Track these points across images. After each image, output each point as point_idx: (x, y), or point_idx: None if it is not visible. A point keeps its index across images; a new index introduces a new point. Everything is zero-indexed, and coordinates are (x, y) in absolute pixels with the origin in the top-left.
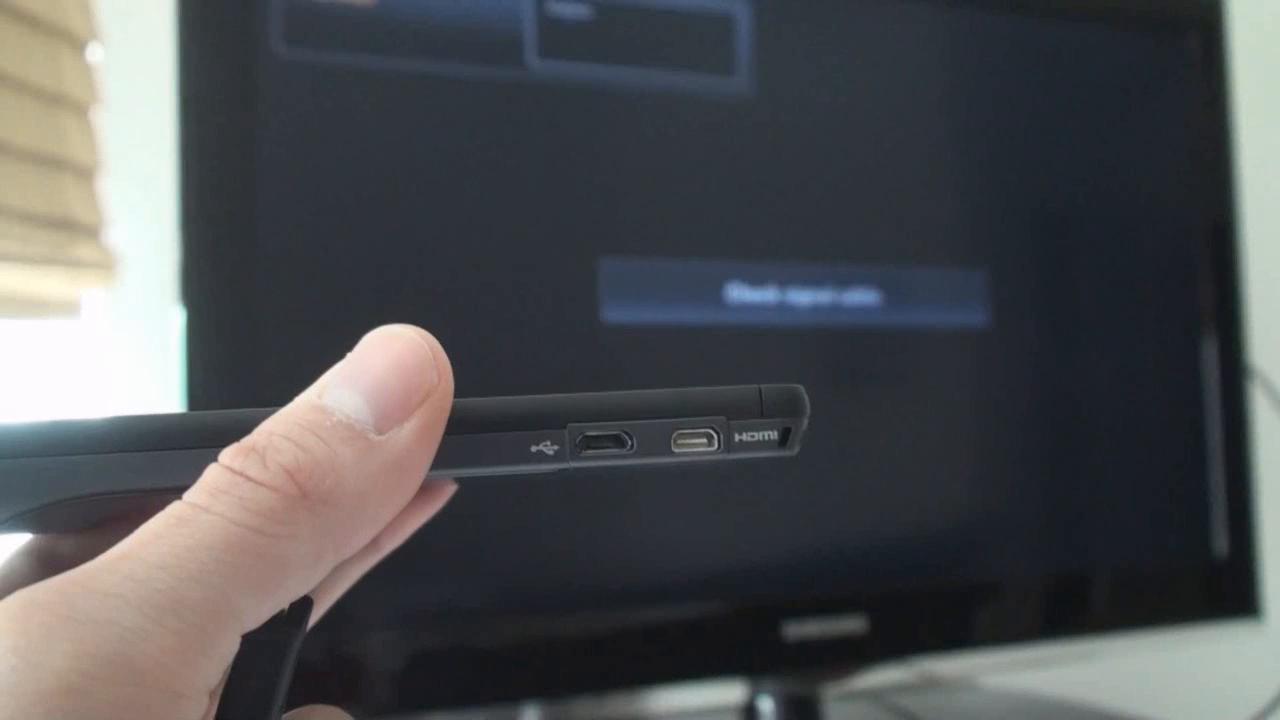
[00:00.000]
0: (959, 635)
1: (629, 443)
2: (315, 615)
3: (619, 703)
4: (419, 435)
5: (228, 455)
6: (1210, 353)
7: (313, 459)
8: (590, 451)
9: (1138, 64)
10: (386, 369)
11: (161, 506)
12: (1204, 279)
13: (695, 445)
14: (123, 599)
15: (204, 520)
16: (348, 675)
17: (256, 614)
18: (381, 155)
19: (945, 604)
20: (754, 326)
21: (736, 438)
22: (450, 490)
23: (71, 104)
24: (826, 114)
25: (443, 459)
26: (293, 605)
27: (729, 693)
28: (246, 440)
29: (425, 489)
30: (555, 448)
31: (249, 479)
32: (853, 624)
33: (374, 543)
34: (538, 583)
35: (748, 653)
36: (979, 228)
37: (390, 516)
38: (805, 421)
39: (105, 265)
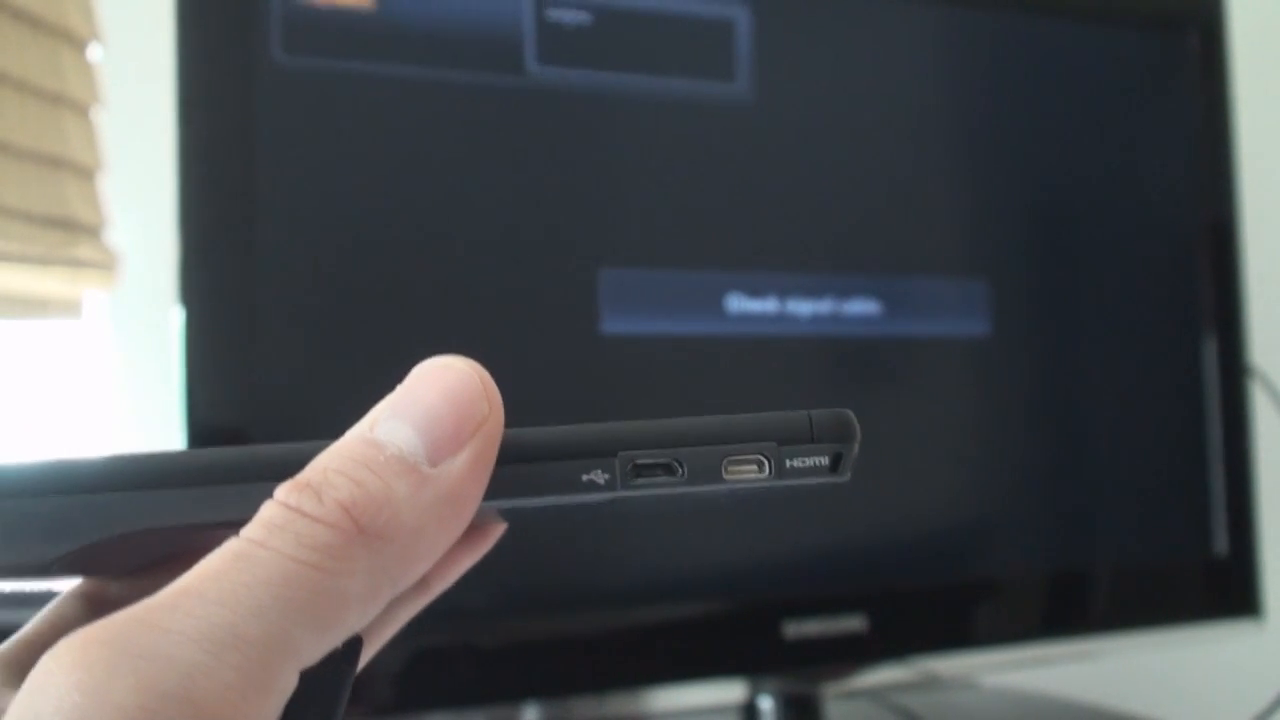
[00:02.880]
0: (959, 635)
1: (680, 470)
2: (366, 656)
3: (619, 703)
4: (471, 467)
5: (283, 491)
6: (1210, 352)
7: (368, 494)
8: (641, 480)
9: (1138, 64)
10: (438, 401)
11: (211, 546)
12: (1204, 279)
13: (746, 472)
14: (184, 635)
15: (262, 556)
16: None
17: (315, 650)
18: (380, 161)
19: (945, 604)
20: (754, 337)
21: (788, 464)
22: (499, 530)
23: (71, 104)
24: (827, 120)
25: (494, 490)
26: (345, 644)
27: (729, 692)
28: (301, 476)
29: (474, 529)
30: (606, 476)
31: (305, 515)
32: (853, 623)
33: (424, 585)
34: (538, 583)
35: (748, 652)
36: (979, 236)
37: (445, 549)
38: (856, 446)
39: (105, 265)
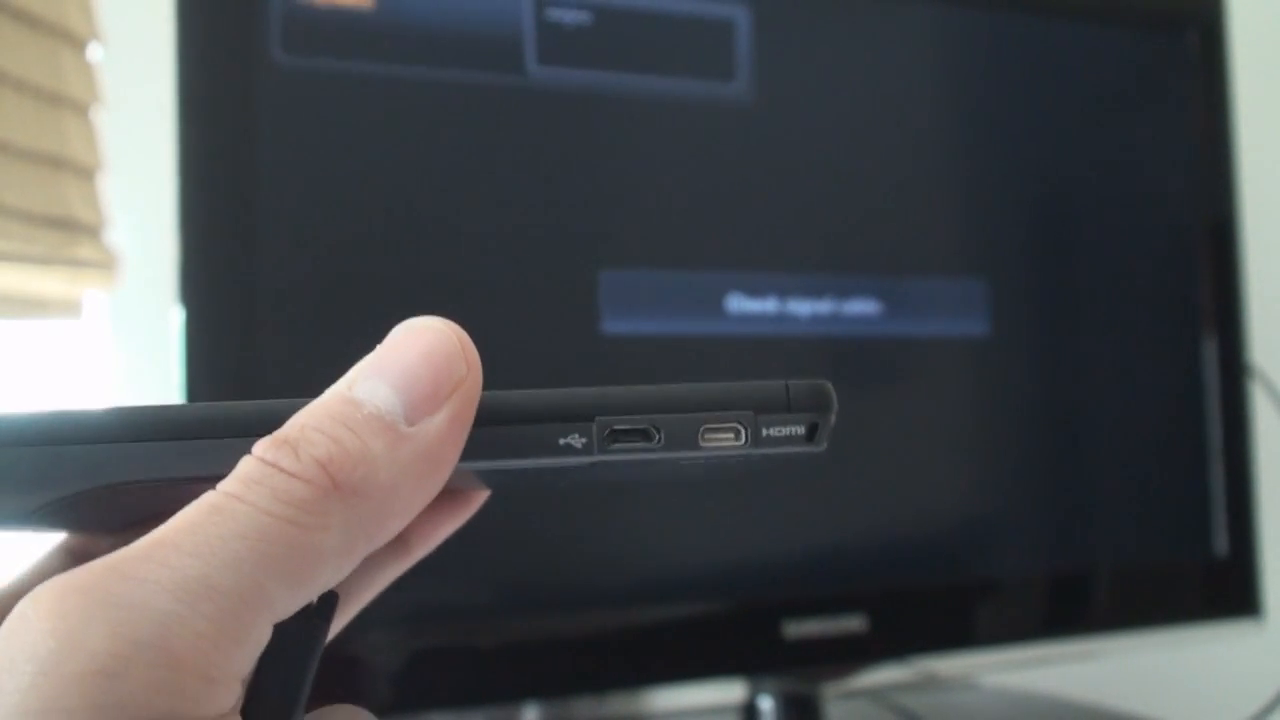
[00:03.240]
0: (959, 635)
1: (656, 436)
2: (345, 618)
3: (619, 703)
4: (449, 426)
5: (260, 447)
6: (1210, 352)
7: (344, 451)
8: (618, 445)
9: (1138, 64)
10: (416, 360)
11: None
12: (1204, 279)
13: (723, 440)
14: (158, 584)
15: (238, 509)
16: (348, 674)
17: (288, 604)
18: (380, 161)
19: (945, 604)
20: (754, 337)
21: (764, 432)
22: (482, 497)
23: (71, 104)
24: (826, 120)
25: (471, 451)
26: (320, 599)
27: (729, 692)
28: (279, 433)
29: (457, 495)
30: (583, 440)
31: (282, 470)
32: (853, 623)
33: (404, 547)
34: (538, 583)
35: (748, 652)
36: (979, 236)
37: (420, 507)
38: (832, 417)
39: (105, 265)
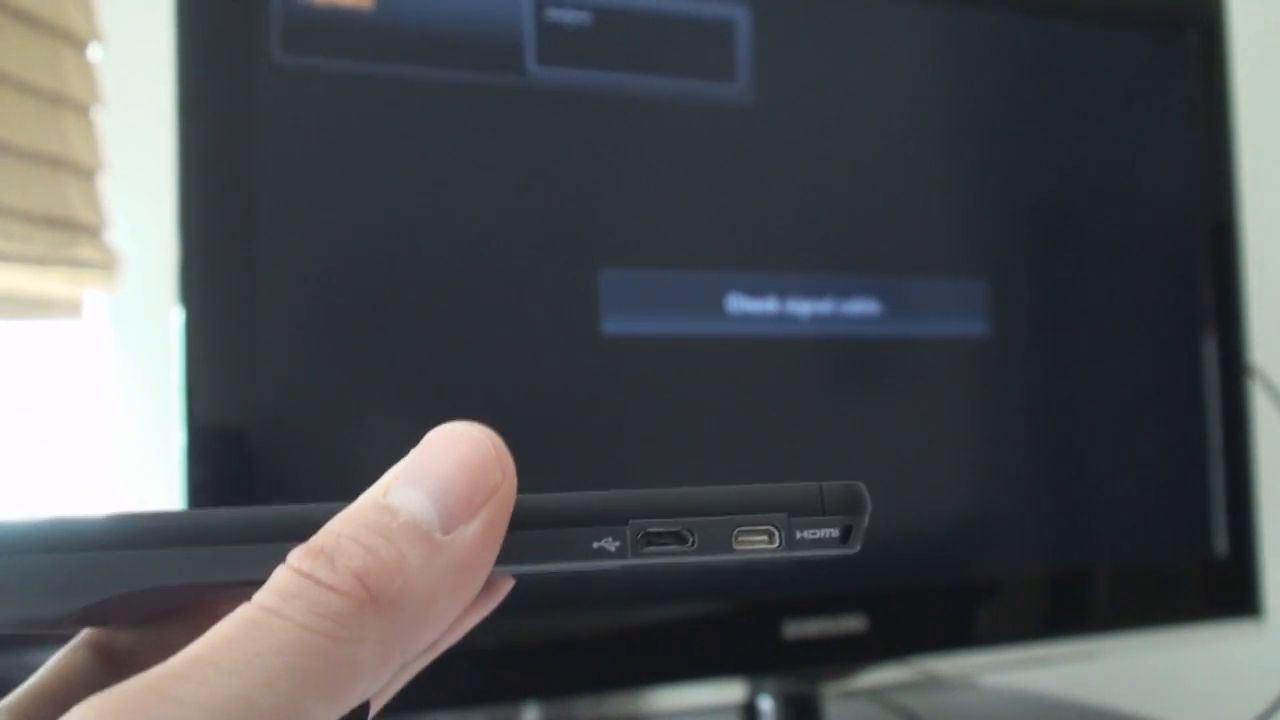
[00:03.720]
0: (959, 634)
1: (690, 540)
2: (370, 713)
3: (619, 703)
4: (484, 534)
5: (296, 557)
6: (1210, 352)
7: (380, 562)
8: (651, 548)
9: (1138, 64)
10: (452, 468)
11: (223, 598)
12: (1204, 279)
13: (756, 543)
14: (197, 705)
15: (274, 624)
16: None
17: (325, 718)
18: (380, 161)
19: (945, 603)
20: (754, 337)
21: (798, 535)
22: (508, 585)
23: (71, 104)
24: (827, 120)
25: (505, 556)
26: (352, 710)
27: (729, 692)
28: (314, 541)
29: (484, 585)
30: (617, 544)
31: (319, 582)
32: (853, 623)
33: (431, 644)
34: (538, 583)
35: (748, 652)
36: (979, 236)
37: (455, 615)
38: (866, 519)
39: (105, 265)
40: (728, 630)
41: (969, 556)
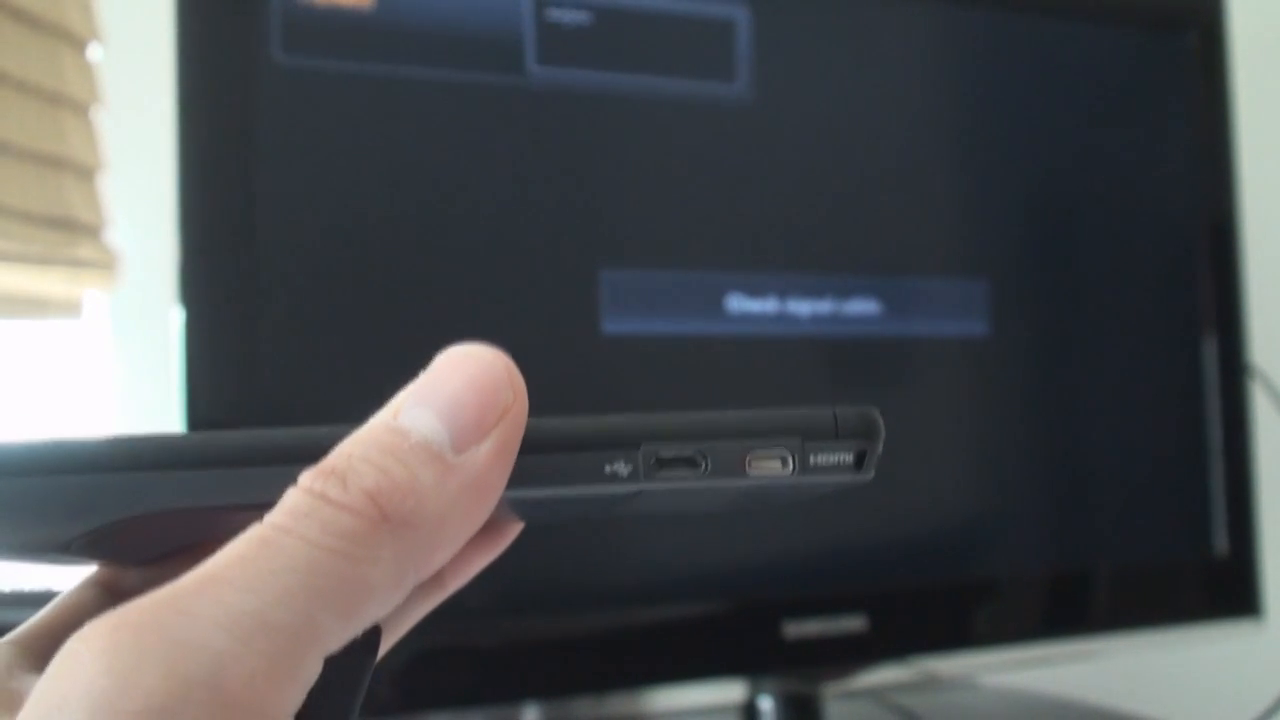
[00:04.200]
0: (959, 635)
1: (703, 464)
2: (380, 651)
3: (619, 703)
4: (495, 455)
5: (308, 478)
6: (1210, 352)
7: (392, 482)
8: (663, 473)
9: (1138, 64)
10: (462, 388)
11: (227, 534)
12: (1204, 279)
13: (769, 467)
14: (213, 621)
15: (287, 543)
16: None
17: (339, 637)
18: (380, 161)
19: (945, 604)
20: (755, 337)
21: (811, 460)
22: (516, 529)
23: (71, 104)
24: (826, 120)
25: (517, 479)
26: (365, 633)
27: (729, 692)
28: (326, 463)
29: (490, 528)
30: (629, 468)
31: (331, 502)
32: (853, 623)
33: (439, 580)
34: (538, 583)
35: (748, 653)
36: (979, 236)
37: (467, 537)
38: (880, 445)
39: (105, 265)
40: (728, 630)
41: (969, 556)
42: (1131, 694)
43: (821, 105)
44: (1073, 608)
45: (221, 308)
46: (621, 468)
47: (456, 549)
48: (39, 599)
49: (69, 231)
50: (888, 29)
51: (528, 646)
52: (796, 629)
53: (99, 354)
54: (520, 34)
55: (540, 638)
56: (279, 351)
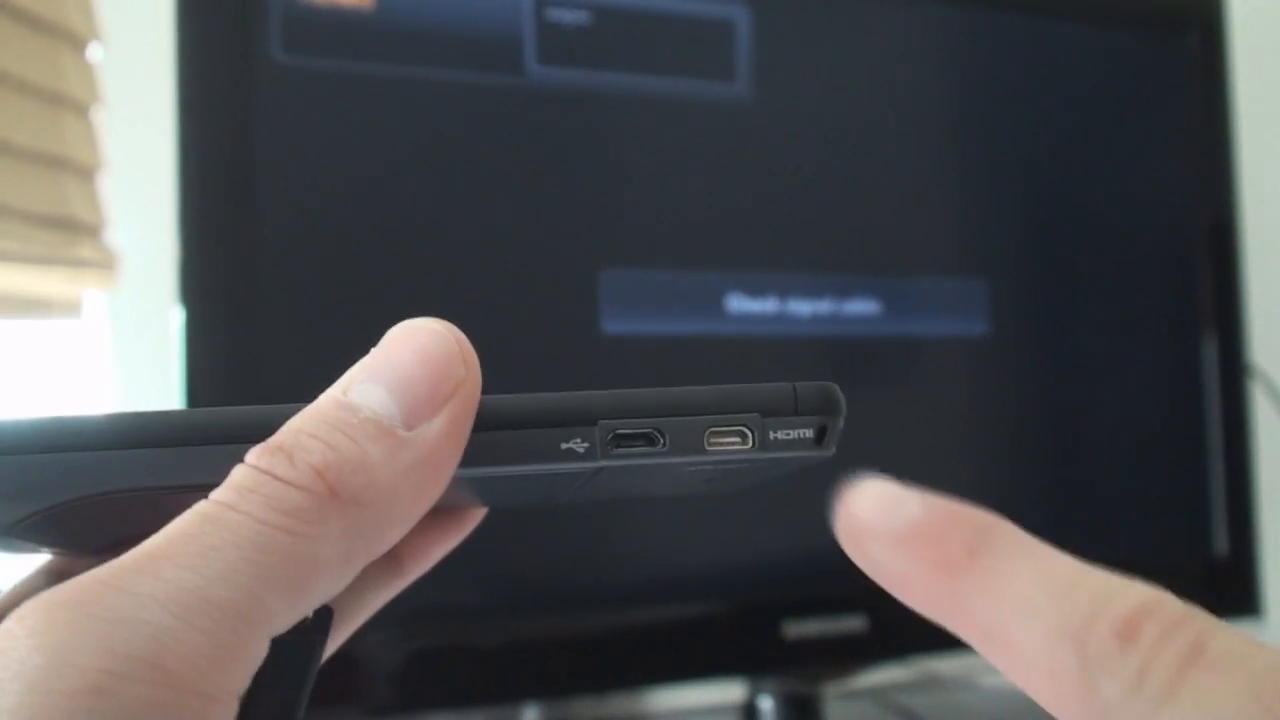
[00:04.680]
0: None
1: (661, 441)
2: (340, 638)
3: (619, 703)
4: (448, 430)
5: (254, 454)
6: (1210, 352)
7: (341, 457)
8: (621, 450)
9: (1138, 64)
10: (412, 363)
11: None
12: (1204, 279)
13: (729, 444)
14: (151, 598)
15: (231, 519)
16: (347, 674)
17: (286, 617)
18: (380, 161)
19: None
20: (755, 337)
21: (771, 435)
22: (478, 515)
23: (71, 104)
24: (826, 120)
25: (471, 457)
26: (316, 614)
27: (729, 692)
28: (273, 439)
29: (451, 514)
30: (585, 445)
31: (277, 478)
32: (853, 623)
33: (398, 567)
34: (538, 583)
35: (748, 652)
36: (979, 236)
37: (419, 515)
38: (841, 420)
39: (105, 265)
40: (728, 630)
41: None
42: None
43: (821, 105)
44: None
45: (221, 308)
46: (578, 445)
47: (408, 527)
48: None
49: (69, 231)
50: (887, 29)
51: (528, 646)
52: (796, 629)
53: (99, 354)
54: (520, 34)
55: (540, 638)
56: (279, 351)
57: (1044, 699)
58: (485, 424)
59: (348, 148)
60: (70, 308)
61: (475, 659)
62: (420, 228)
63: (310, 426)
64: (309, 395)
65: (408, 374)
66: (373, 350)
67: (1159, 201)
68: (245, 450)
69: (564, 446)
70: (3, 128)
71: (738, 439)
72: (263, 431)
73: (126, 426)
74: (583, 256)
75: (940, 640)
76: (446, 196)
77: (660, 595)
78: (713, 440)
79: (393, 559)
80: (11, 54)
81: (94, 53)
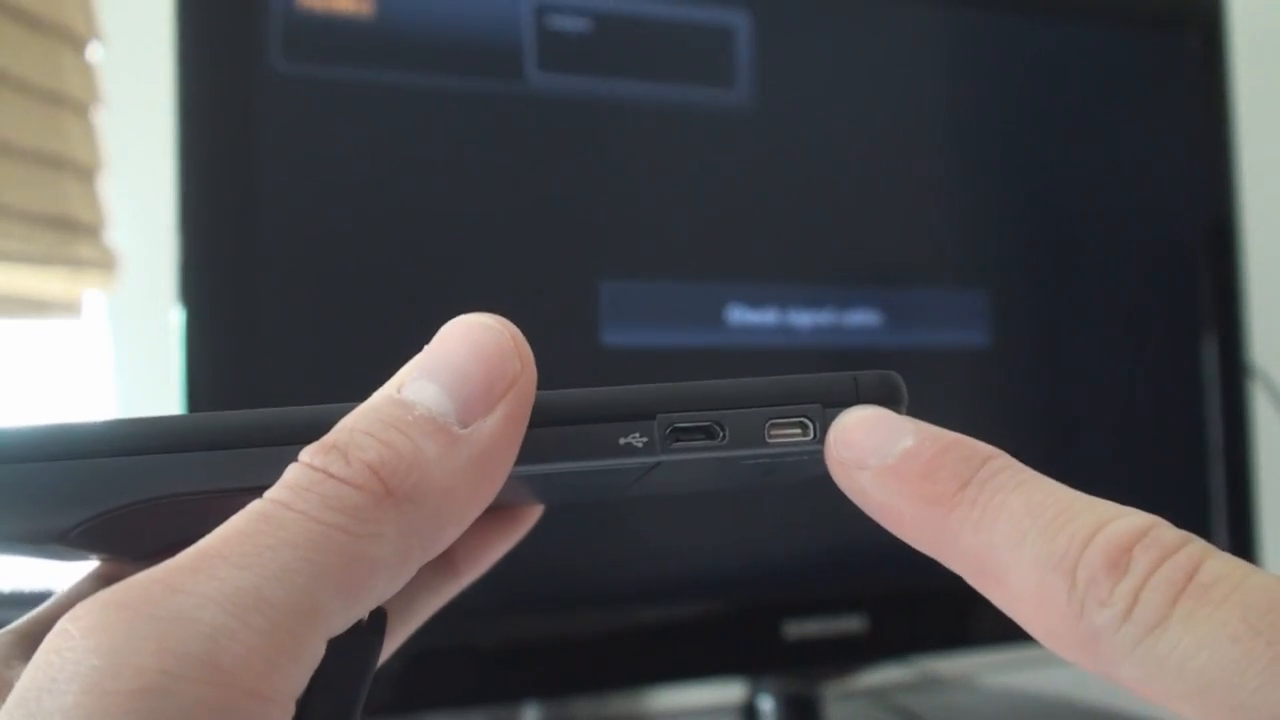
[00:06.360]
0: (959, 635)
1: (721, 434)
2: (394, 643)
3: (619, 703)
4: (503, 427)
5: (309, 453)
6: (1210, 352)
7: (396, 455)
8: (680, 443)
9: (1137, 64)
10: (467, 359)
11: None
12: (1204, 279)
13: (789, 436)
14: (207, 597)
15: (287, 518)
16: None
17: (343, 618)
18: (380, 168)
19: (945, 604)
20: (755, 348)
21: None
22: (535, 515)
23: (71, 104)
24: (827, 127)
25: (527, 453)
26: (371, 616)
27: (729, 692)
28: (327, 438)
29: (507, 514)
30: (644, 440)
31: (332, 476)
32: (853, 624)
33: (452, 569)
34: (538, 583)
35: (748, 653)
36: (980, 245)
37: (476, 513)
38: (903, 410)
39: (105, 265)
40: (728, 630)
41: None
42: (1131, 694)
43: (821, 112)
44: None
45: (221, 308)
46: (637, 440)
47: (464, 525)
48: (38, 599)
49: (69, 231)
50: (887, 34)
51: (528, 646)
52: (796, 629)
53: (99, 354)
54: (520, 41)
55: (540, 638)
56: (279, 352)
57: (1035, 629)
58: (541, 420)
59: (347, 155)
60: (70, 308)
61: (475, 659)
62: (420, 235)
63: (365, 424)
64: (308, 397)
65: (462, 370)
66: (426, 346)
67: (1159, 202)
68: (299, 451)
69: (622, 441)
70: (3, 128)
71: (798, 430)
72: (318, 432)
73: (182, 430)
74: (583, 266)
75: (940, 640)
76: (445, 204)
77: (660, 595)
78: (773, 432)
79: (446, 561)
80: (11, 54)
81: (94, 53)
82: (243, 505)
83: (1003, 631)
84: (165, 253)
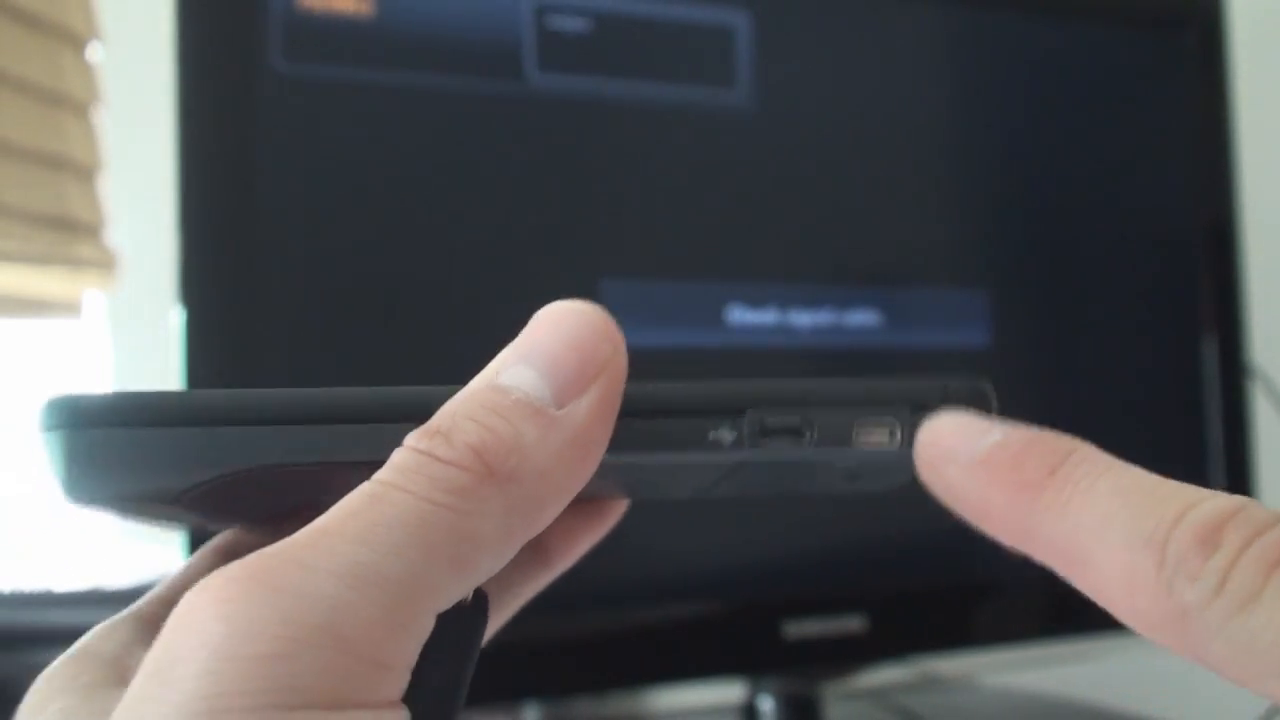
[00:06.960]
0: (959, 635)
1: (809, 434)
2: (493, 627)
3: (619, 703)
4: (597, 407)
5: (414, 437)
6: (1210, 352)
7: (497, 437)
8: (768, 440)
9: (1137, 64)
10: (560, 343)
11: (333, 498)
12: (1204, 279)
13: (875, 439)
14: (326, 571)
15: (397, 498)
16: None
17: (451, 592)
18: (380, 168)
19: (945, 604)
20: (755, 348)
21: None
22: (621, 508)
23: (71, 104)
24: (827, 127)
25: (618, 444)
26: (474, 595)
27: (729, 693)
28: (431, 423)
29: (595, 506)
30: (733, 435)
31: (437, 459)
32: (853, 624)
33: (545, 558)
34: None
35: (748, 653)
36: (980, 245)
37: (573, 493)
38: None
39: (105, 265)
40: (728, 630)
41: (969, 556)
42: (1131, 694)
43: (821, 113)
44: (1073, 608)
45: (221, 308)
46: (725, 435)
47: (562, 505)
48: (119, 597)
49: (69, 231)
50: (888, 35)
51: (528, 646)
52: (796, 629)
53: (99, 354)
54: (520, 41)
55: (540, 638)
56: (279, 352)
57: (1121, 610)
58: (632, 410)
59: (348, 155)
60: (70, 307)
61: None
62: (419, 234)
63: (465, 409)
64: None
65: (556, 355)
66: (521, 333)
67: (1159, 202)
68: (405, 429)
69: (711, 436)
70: (3, 128)
71: (885, 435)
72: (423, 411)
73: (294, 404)
74: (583, 266)
75: (940, 640)
76: (445, 203)
77: (660, 595)
78: (860, 435)
79: (540, 550)
80: (11, 54)
81: (94, 53)
82: (343, 477)
83: (1003, 631)
84: (165, 253)
